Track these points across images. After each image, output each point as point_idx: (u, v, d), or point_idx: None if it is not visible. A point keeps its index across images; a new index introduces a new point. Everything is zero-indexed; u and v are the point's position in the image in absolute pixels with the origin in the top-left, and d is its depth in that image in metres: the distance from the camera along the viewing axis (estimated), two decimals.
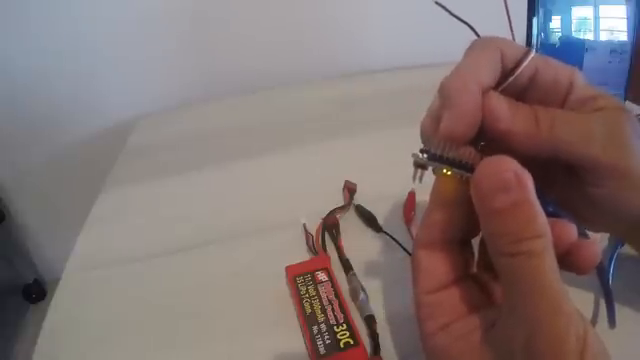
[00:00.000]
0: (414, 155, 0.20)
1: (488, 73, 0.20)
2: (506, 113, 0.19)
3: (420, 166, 0.20)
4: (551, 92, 0.21)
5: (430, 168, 0.20)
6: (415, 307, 0.21)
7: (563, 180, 0.22)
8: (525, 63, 0.20)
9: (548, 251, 0.16)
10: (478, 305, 0.20)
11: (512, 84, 0.20)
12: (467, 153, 0.19)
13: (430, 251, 0.21)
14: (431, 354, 0.20)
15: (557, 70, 0.20)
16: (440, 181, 0.20)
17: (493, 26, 0.32)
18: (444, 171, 0.20)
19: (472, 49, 0.21)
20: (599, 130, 0.19)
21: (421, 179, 0.21)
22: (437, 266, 0.21)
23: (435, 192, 0.21)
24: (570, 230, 0.18)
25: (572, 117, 0.20)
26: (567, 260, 0.17)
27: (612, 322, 0.24)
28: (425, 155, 0.20)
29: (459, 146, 0.19)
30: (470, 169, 0.19)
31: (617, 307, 0.28)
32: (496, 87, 0.21)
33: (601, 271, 0.20)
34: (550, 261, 0.16)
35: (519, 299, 0.16)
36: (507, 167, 0.17)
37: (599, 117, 0.19)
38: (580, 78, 0.20)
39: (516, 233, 0.16)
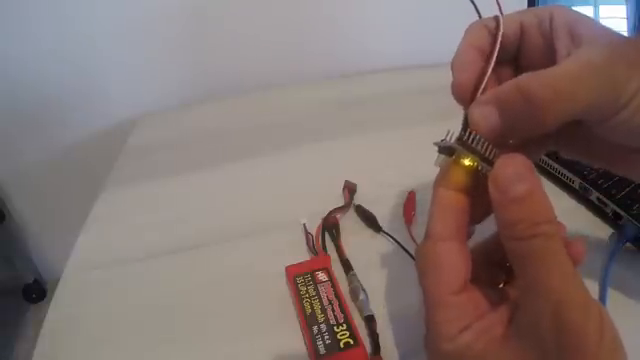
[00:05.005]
0: (440, 142, 0.21)
1: (478, 37, 0.23)
2: (495, 119, 0.20)
3: (446, 151, 0.21)
4: (539, 35, 0.22)
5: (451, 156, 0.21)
6: (435, 309, 0.20)
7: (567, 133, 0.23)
8: (501, 30, 0.22)
9: (559, 235, 0.18)
10: (494, 302, 0.20)
11: (506, 50, 0.23)
12: (488, 148, 0.20)
13: (450, 244, 0.20)
14: (449, 356, 0.19)
15: (538, 10, 0.23)
16: (456, 169, 0.21)
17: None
18: (466, 161, 0.20)
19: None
20: (594, 80, 0.18)
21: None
22: (460, 261, 0.20)
23: (448, 179, 0.21)
24: (561, 228, 0.20)
25: (560, 76, 0.19)
26: None
27: None
28: (453, 141, 0.20)
29: (482, 140, 0.20)
30: (488, 162, 0.20)
31: (615, 306, 0.28)
32: (489, 59, 0.22)
33: None
34: (562, 244, 0.18)
35: (542, 276, 0.17)
36: (523, 162, 0.18)
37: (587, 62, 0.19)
38: (558, 8, 0.22)
39: (532, 218, 0.17)
